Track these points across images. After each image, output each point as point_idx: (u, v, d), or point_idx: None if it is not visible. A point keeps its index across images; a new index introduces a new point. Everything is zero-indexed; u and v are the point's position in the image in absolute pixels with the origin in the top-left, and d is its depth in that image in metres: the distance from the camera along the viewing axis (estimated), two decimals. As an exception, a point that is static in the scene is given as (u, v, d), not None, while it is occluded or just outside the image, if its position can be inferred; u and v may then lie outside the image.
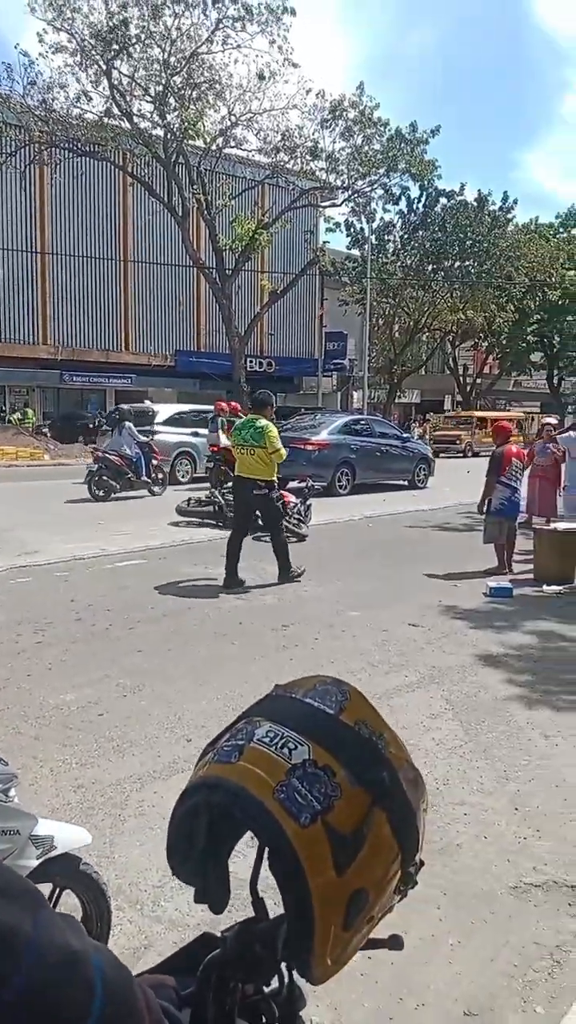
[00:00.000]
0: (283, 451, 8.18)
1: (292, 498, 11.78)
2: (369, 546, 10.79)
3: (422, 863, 0.94)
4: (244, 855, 0.91)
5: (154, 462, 15.45)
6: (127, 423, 15.19)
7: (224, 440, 14.26)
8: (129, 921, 2.83)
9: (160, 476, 15.58)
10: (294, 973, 0.91)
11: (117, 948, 2.61)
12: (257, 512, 8.38)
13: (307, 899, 0.81)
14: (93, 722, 4.53)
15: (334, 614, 7.07)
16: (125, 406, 16.28)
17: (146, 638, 6.18)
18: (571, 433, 10.34)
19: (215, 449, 15.20)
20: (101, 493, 14.32)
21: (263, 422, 8.06)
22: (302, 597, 7.73)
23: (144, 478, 15.07)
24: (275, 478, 8.22)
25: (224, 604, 7.33)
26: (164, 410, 18.66)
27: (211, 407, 16.82)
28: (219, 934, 0.96)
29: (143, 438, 15.35)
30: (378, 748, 0.89)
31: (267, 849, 0.84)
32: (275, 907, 0.89)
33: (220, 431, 14.99)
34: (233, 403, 16.74)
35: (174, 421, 18.08)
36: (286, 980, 0.93)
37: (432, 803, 3.65)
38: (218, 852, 0.92)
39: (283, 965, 0.91)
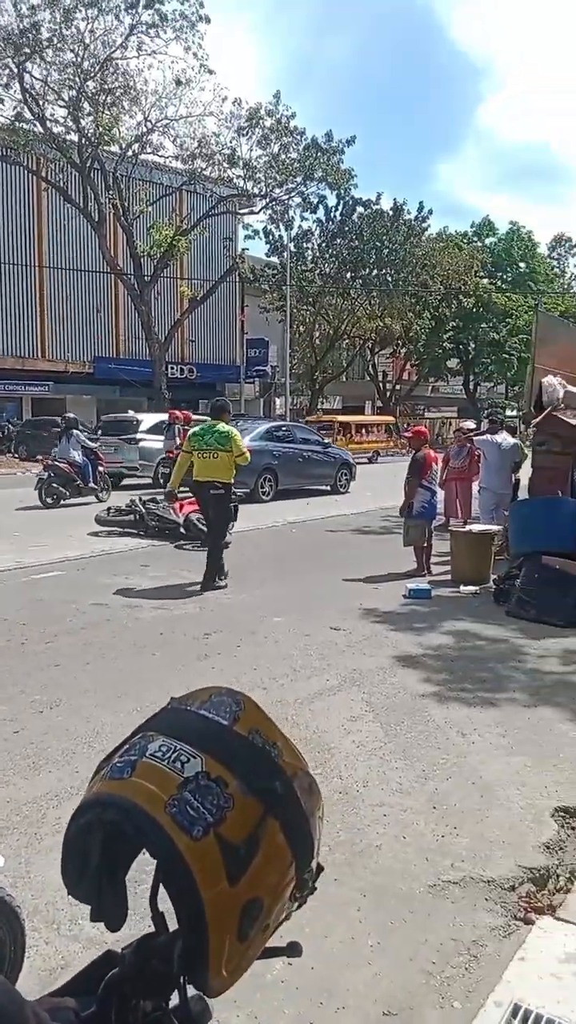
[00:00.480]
0: (248, 454, 8.31)
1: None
2: (292, 551, 10.85)
3: (320, 868, 0.95)
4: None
5: (100, 469, 15.95)
6: (75, 431, 15.64)
7: None
8: (45, 942, 2.76)
9: (103, 483, 16.02)
10: (192, 987, 0.91)
11: (33, 970, 2.54)
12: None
13: (200, 912, 0.81)
14: (8, 740, 4.41)
15: (257, 621, 7.08)
16: (71, 414, 16.84)
17: (63, 652, 6.06)
18: (488, 436, 10.62)
19: (171, 455, 15.78)
20: (51, 500, 14.71)
21: (226, 427, 8.22)
22: (224, 605, 7.71)
23: (91, 484, 15.55)
24: (232, 481, 8.36)
25: (144, 615, 7.24)
26: (147, 419, 19.74)
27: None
28: (120, 951, 0.95)
29: (92, 445, 15.98)
30: (271, 757, 0.89)
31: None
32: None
33: (177, 437, 15.50)
34: (185, 412, 17.39)
35: (156, 429, 18.89)
36: (187, 995, 0.92)
37: (352, 805, 3.70)
38: (113, 869, 0.91)
39: (183, 979, 0.91)
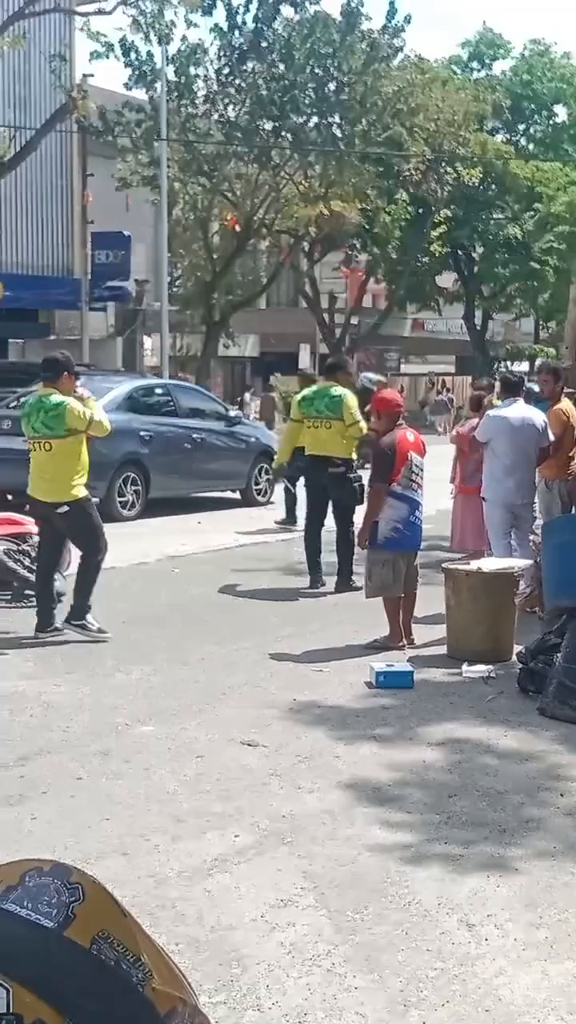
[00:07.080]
0: (363, 424, 11.40)
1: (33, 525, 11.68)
2: (172, 608, 10.91)
3: None
4: None
5: None
6: None
7: None
8: None
9: None
10: None
11: None
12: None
13: None
14: None
15: (111, 731, 7.08)
16: None
17: None
18: (506, 410, 10.57)
19: None
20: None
21: (340, 390, 11.45)
22: (53, 705, 7.64)
23: None
24: (353, 456, 11.48)
25: None
26: None
27: None
28: None
29: None
30: (131, 984, 0.91)
31: None
32: None
33: None
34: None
35: None
36: None
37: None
38: None
39: None
